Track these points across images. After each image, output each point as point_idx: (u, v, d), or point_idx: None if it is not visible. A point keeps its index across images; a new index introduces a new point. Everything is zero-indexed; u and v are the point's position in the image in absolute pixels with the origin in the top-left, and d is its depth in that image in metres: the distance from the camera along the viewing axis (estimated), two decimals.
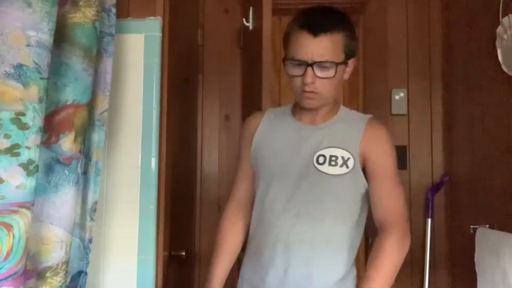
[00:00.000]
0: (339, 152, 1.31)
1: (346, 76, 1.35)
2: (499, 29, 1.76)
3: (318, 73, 1.27)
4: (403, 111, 2.42)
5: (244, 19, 2.11)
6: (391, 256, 1.25)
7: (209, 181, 2.48)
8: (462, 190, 2.18)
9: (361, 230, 1.37)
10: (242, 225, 1.47)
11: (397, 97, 2.41)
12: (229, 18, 2.56)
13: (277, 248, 1.32)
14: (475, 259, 1.83)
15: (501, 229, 1.76)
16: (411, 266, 2.36)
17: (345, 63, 1.30)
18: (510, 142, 1.73)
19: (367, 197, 1.34)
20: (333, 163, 1.31)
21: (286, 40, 1.34)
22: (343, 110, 1.42)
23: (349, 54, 1.31)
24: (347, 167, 1.30)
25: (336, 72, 1.28)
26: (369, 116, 1.41)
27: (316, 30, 1.25)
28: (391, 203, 1.30)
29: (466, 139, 2.14)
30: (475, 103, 2.04)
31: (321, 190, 1.31)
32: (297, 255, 1.30)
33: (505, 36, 1.73)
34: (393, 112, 2.42)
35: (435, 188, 2.34)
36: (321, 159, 1.32)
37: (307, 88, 1.29)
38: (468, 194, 2.10)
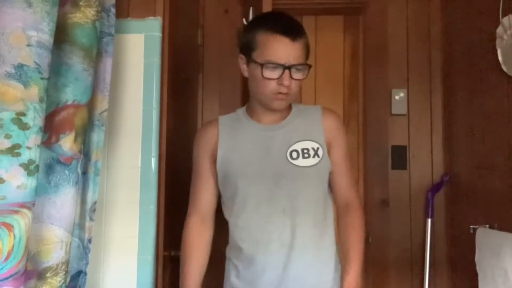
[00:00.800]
0: (309, 144, 1.41)
1: None
2: (499, 29, 1.76)
3: (294, 75, 1.33)
4: (403, 111, 2.42)
5: (244, 19, 2.11)
6: (360, 232, 1.42)
7: None
8: (462, 190, 2.18)
9: (332, 208, 1.48)
10: (208, 237, 1.48)
11: (397, 97, 2.41)
12: (229, 18, 2.56)
13: (272, 249, 1.35)
14: (476, 259, 1.83)
15: (501, 229, 1.76)
16: (411, 266, 2.36)
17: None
18: (510, 142, 1.73)
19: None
20: (306, 155, 1.39)
21: (250, 44, 1.36)
22: (294, 105, 1.50)
23: (308, 53, 1.40)
24: (318, 156, 1.40)
25: (303, 71, 1.36)
26: (319, 106, 1.51)
27: (294, 35, 1.33)
28: (350, 183, 1.48)
29: (466, 139, 2.14)
30: (475, 103, 2.04)
31: (302, 183, 1.38)
32: (294, 250, 1.35)
33: (505, 36, 1.73)
34: (393, 112, 2.41)
35: (435, 188, 2.34)
36: (294, 154, 1.39)
37: (284, 90, 1.34)
38: (468, 194, 2.10)
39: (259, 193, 1.38)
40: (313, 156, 1.39)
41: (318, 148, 1.40)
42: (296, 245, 1.35)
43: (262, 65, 1.32)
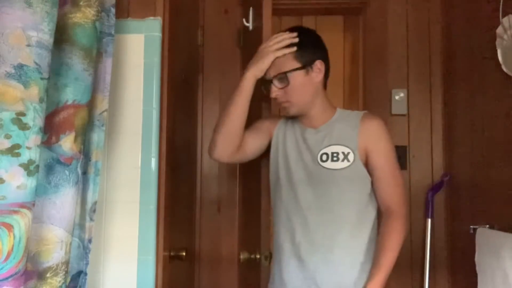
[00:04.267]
0: (339, 148, 1.48)
1: (315, 78, 1.51)
2: (499, 29, 1.76)
3: (277, 85, 1.49)
4: (403, 111, 2.42)
5: (244, 19, 2.11)
6: (395, 240, 1.42)
7: (209, 181, 2.48)
8: (462, 190, 2.18)
9: (373, 211, 1.50)
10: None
11: (397, 97, 2.41)
12: (229, 18, 2.55)
13: (296, 242, 1.47)
14: (476, 260, 1.83)
15: (501, 229, 1.76)
16: (411, 266, 2.36)
17: (302, 68, 1.48)
18: (510, 142, 1.73)
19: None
20: (335, 158, 1.47)
21: None
22: (339, 111, 1.58)
23: (306, 60, 1.49)
24: (348, 160, 1.47)
25: (289, 80, 1.47)
26: (363, 112, 1.57)
27: None
28: (391, 190, 1.48)
29: (466, 139, 2.14)
30: (475, 103, 2.04)
31: (327, 184, 1.47)
32: (314, 246, 1.45)
33: (505, 36, 1.73)
34: (393, 112, 2.41)
35: (435, 188, 2.34)
36: (324, 157, 1.48)
37: (277, 100, 1.52)
38: (468, 194, 2.10)
39: (291, 192, 1.51)
40: (342, 160, 1.46)
41: (348, 153, 1.47)
42: (316, 243, 1.45)
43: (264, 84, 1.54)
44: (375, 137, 1.49)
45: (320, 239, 1.45)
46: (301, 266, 1.46)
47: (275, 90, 1.50)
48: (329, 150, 1.48)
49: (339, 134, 1.50)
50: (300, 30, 1.54)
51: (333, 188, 1.46)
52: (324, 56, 1.54)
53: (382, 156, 1.48)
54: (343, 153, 1.47)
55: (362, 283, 1.42)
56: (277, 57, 1.48)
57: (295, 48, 1.48)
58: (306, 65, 1.49)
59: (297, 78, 1.49)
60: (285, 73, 1.48)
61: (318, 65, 1.51)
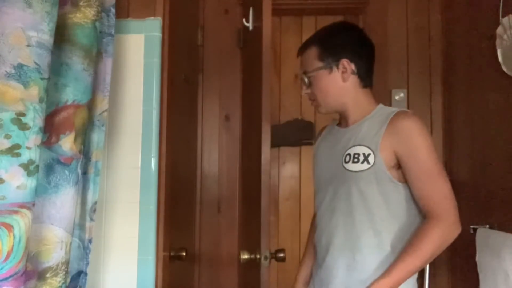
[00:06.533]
0: (361, 149, 1.39)
1: (341, 78, 1.46)
2: (499, 29, 1.76)
3: (303, 83, 1.51)
4: None
5: (244, 19, 2.11)
6: (422, 245, 1.29)
7: (209, 181, 2.48)
8: (462, 190, 2.18)
9: (404, 219, 1.38)
10: None
11: (397, 97, 2.41)
12: (229, 18, 2.55)
13: (322, 242, 1.47)
14: (477, 260, 1.83)
15: (501, 229, 1.76)
16: None
17: (323, 68, 1.45)
18: (510, 142, 1.73)
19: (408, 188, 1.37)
20: (355, 160, 1.39)
21: None
22: (378, 109, 1.47)
23: (329, 59, 1.46)
24: (368, 162, 1.36)
25: (309, 79, 1.48)
26: (397, 110, 1.43)
27: (298, 52, 1.54)
28: (428, 195, 1.32)
29: (466, 139, 2.14)
30: (475, 103, 2.04)
31: (348, 186, 1.40)
32: (330, 249, 1.43)
33: (505, 36, 1.73)
34: None
35: None
36: (347, 158, 1.41)
37: (308, 98, 1.54)
38: (468, 194, 2.10)
39: (322, 193, 1.51)
40: (362, 162, 1.37)
41: (369, 155, 1.36)
42: (332, 244, 1.43)
43: None
44: (402, 139, 1.34)
45: (341, 243, 1.40)
46: (324, 269, 1.45)
47: (304, 88, 1.51)
48: (352, 151, 1.40)
49: (364, 134, 1.41)
50: (331, 28, 1.52)
51: (354, 191, 1.38)
52: (353, 55, 1.46)
53: (412, 160, 1.32)
54: (363, 154, 1.37)
55: None
56: (304, 55, 1.50)
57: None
58: (329, 65, 1.45)
59: (320, 78, 1.46)
60: (307, 72, 1.48)
61: (345, 64, 1.45)
